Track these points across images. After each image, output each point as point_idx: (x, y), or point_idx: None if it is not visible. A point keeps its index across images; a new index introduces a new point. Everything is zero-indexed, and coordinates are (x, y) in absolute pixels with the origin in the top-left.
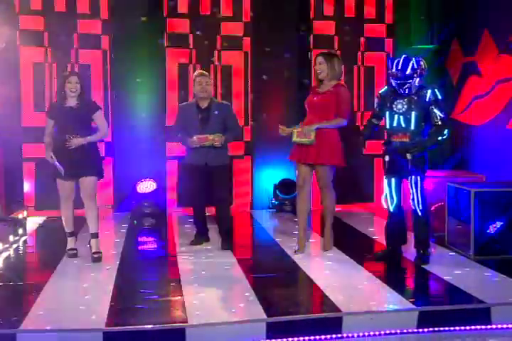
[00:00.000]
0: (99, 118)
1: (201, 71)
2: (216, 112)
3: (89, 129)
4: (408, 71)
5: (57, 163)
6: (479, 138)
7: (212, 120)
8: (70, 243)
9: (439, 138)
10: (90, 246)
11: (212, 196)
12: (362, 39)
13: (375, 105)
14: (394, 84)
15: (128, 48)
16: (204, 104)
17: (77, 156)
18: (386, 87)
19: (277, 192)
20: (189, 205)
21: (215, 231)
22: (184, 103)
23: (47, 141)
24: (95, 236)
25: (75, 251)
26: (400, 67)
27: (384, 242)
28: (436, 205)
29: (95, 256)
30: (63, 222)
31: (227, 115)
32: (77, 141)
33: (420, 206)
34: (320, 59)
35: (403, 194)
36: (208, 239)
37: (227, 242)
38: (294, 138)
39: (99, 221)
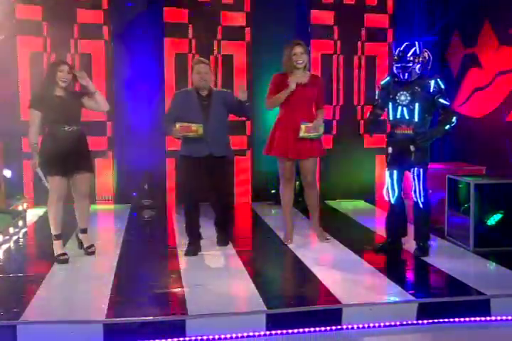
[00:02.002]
0: (90, 98)
1: (200, 58)
2: (219, 101)
3: (80, 119)
4: (409, 54)
5: (42, 177)
6: (479, 130)
7: (215, 108)
8: (59, 247)
9: (447, 126)
10: (80, 241)
11: (214, 192)
12: (362, 29)
13: (377, 96)
14: (395, 69)
15: (127, 38)
16: (204, 92)
17: (74, 151)
18: (388, 78)
19: (277, 184)
20: (184, 205)
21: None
22: (181, 90)
23: (34, 140)
24: (85, 231)
25: (66, 257)
26: (401, 49)
27: (384, 234)
28: (438, 198)
29: (90, 250)
30: (52, 223)
31: (230, 101)
32: (83, 74)
33: (422, 198)
34: (300, 49)
35: (404, 186)
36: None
37: (224, 239)
38: (302, 134)
39: (89, 216)
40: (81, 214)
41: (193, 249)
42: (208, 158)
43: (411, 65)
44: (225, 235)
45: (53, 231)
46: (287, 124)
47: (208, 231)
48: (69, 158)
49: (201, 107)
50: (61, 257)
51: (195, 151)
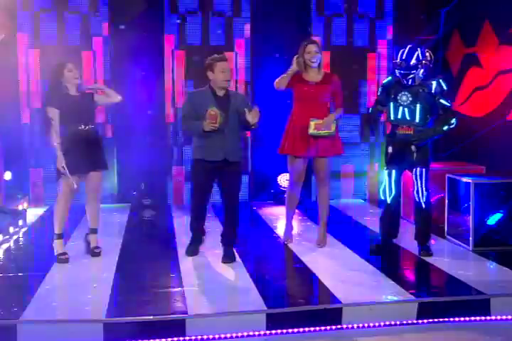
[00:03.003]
0: (101, 95)
1: (222, 55)
2: (236, 103)
3: (95, 118)
4: (412, 61)
5: (68, 174)
6: (479, 129)
7: (232, 110)
8: (60, 246)
9: (445, 127)
10: (89, 241)
11: (224, 199)
12: None
13: (378, 94)
14: (398, 74)
15: (128, 37)
16: (221, 92)
17: (88, 149)
18: (390, 78)
19: (277, 183)
20: (192, 205)
21: (214, 225)
22: (195, 90)
23: (57, 139)
24: (95, 231)
25: (66, 256)
26: (404, 57)
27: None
28: (437, 197)
29: (96, 250)
30: (57, 221)
31: (244, 106)
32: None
33: (424, 198)
34: (315, 48)
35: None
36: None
37: (231, 255)
38: (311, 131)
39: (99, 216)
40: (92, 213)
41: (193, 248)
42: (221, 163)
43: (414, 71)
44: (231, 251)
45: (56, 230)
46: (299, 122)
47: (209, 230)
48: (83, 157)
49: (219, 108)
50: (61, 256)
51: (209, 155)
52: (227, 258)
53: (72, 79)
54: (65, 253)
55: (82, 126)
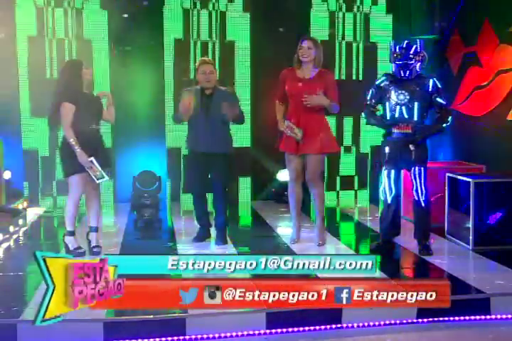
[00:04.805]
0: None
1: (204, 58)
2: (221, 100)
3: (101, 118)
4: (412, 51)
5: (97, 166)
6: (479, 128)
7: (215, 106)
8: (74, 242)
9: (444, 124)
10: (89, 240)
11: (213, 187)
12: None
13: (370, 95)
14: (395, 67)
15: (127, 35)
16: (209, 91)
17: (96, 148)
18: (384, 77)
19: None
20: (193, 196)
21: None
22: (188, 88)
23: (73, 134)
24: (96, 230)
25: (82, 250)
26: (404, 46)
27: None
28: (437, 196)
29: (95, 250)
30: (69, 219)
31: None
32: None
33: (423, 197)
34: (309, 43)
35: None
36: (210, 235)
37: (222, 238)
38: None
39: (101, 214)
40: (93, 212)
41: (201, 235)
42: (206, 154)
43: (413, 62)
44: (222, 234)
45: (68, 227)
46: (291, 119)
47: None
48: (93, 156)
49: (203, 105)
50: (78, 250)
51: (195, 146)
52: (219, 240)
53: (89, 76)
54: (80, 248)
55: (94, 125)
